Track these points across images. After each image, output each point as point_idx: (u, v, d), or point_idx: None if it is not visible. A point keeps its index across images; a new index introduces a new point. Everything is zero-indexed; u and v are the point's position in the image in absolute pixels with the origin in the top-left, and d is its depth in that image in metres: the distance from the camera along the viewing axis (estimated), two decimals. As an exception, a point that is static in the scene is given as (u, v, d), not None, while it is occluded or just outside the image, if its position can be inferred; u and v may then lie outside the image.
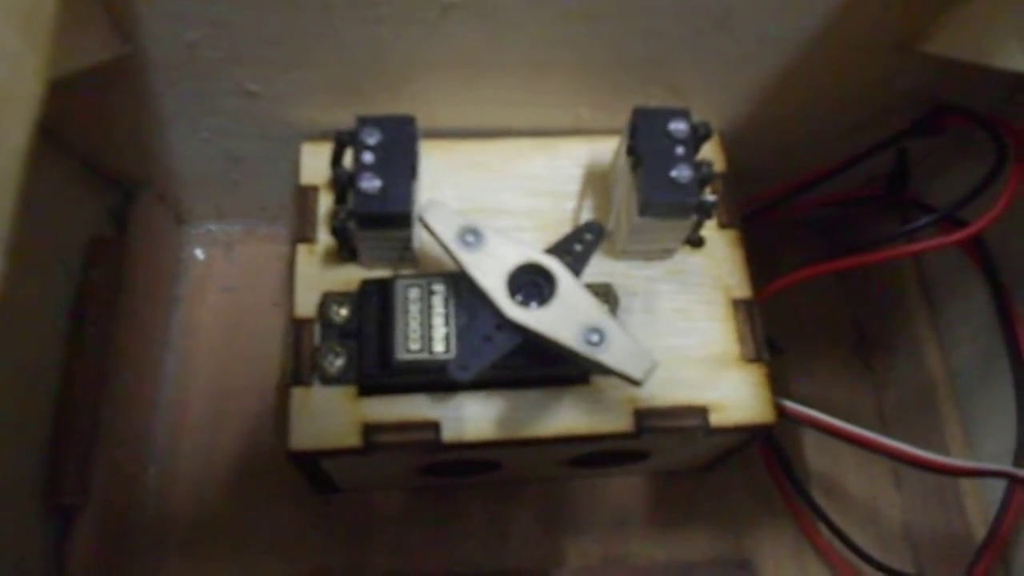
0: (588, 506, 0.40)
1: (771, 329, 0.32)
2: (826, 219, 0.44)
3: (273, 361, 0.41)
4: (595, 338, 0.26)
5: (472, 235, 0.27)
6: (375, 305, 0.30)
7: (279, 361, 0.41)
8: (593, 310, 0.27)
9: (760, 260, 0.34)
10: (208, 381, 0.41)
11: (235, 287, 0.43)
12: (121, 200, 0.39)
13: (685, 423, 0.30)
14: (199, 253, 0.44)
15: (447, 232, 0.27)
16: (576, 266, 0.28)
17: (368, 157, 0.28)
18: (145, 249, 0.39)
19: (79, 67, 0.26)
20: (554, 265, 0.27)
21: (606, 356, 0.26)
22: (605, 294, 0.31)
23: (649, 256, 0.32)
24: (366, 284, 0.30)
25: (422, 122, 0.29)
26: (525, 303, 0.27)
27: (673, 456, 0.37)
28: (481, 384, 0.29)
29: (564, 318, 0.26)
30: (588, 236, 0.29)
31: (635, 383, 0.26)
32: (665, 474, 0.40)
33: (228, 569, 0.37)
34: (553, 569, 0.38)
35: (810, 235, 0.44)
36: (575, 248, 0.29)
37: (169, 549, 0.38)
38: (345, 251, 0.31)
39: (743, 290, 0.32)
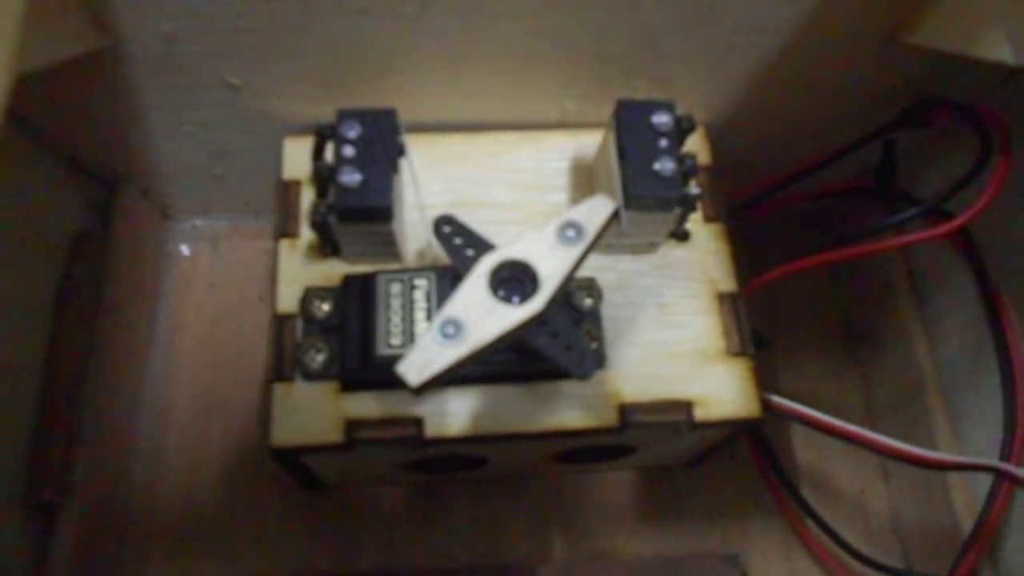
0: (575, 501, 0.40)
1: (758, 323, 0.32)
2: (813, 212, 0.44)
3: (259, 357, 0.41)
4: (451, 331, 0.24)
5: (573, 231, 0.26)
6: (357, 300, 0.29)
7: (265, 356, 0.41)
8: (488, 330, 0.24)
9: (747, 254, 0.33)
10: (194, 377, 0.41)
11: (221, 283, 0.43)
12: (104, 195, 0.39)
13: (670, 418, 0.30)
14: (184, 249, 0.43)
15: (576, 213, 0.26)
16: (542, 337, 0.26)
17: (348, 151, 0.28)
18: (129, 244, 0.38)
19: (55, 59, 0.26)
20: (539, 302, 0.25)
21: (425, 339, 0.24)
22: (589, 288, 0.31)
23: (634, 250, 0.32)
24: (348, 279, 0.30)
25: (406, 115, 0.29)
26: (507, 295, 0.27)
27: (659, 451, 0.36)
28: (465, 379, 0.29)
29: (479, 308, 0.25)
30: (578, 360, 0.26)
31: (404, 377, 0.24)
32: (652, 469, 0.40)
33: (214, 566, 0.37)
34: (540, 564, 0.38)
35: (797, 229, 0.44)
36: (561, 343, 0.26)
37: (155, 546, 0.37)
38: (327, 246, 0.31)
39: (728, 284, 0.32)
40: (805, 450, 0.41)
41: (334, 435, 0.29)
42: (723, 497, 0.40)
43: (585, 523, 0.39)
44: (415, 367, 0.24)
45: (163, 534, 0.38)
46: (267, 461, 0.31)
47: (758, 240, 0.37)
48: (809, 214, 0.44)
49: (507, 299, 0.25)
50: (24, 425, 0.32)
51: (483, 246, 0.27)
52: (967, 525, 0.34)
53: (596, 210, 0.27)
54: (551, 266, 0.26)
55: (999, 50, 0.26)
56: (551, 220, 0.26)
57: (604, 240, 0.31)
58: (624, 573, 0.38)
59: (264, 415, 0.29)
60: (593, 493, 0.40)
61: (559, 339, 0.26)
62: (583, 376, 0.26)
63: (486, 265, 0.26)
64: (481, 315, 0.25)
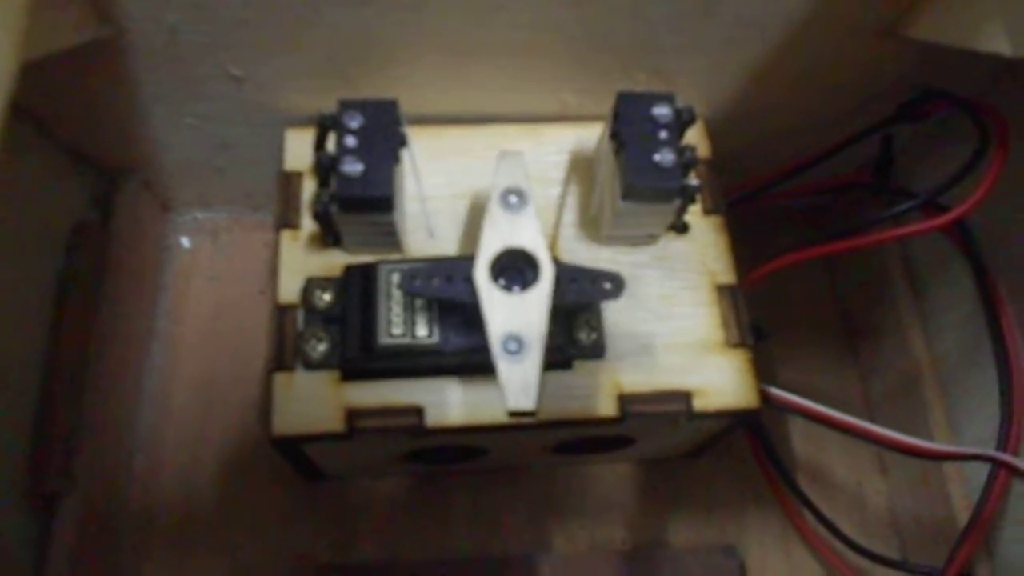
0: (575, 493, 0.40)
1: (757, 316, 0.32)
2: (812, 207, 0.44)
3: (259, 350, 0.41)
4: (513, 347, 0.25)
5: (516, 196, 0.27)
6: (358, 290, 0.29)
7: (265, 349, 0.41)
8: (539, 326, 0.25)
9: (747, 248, 0.34)
10: (194, 369, 0.41)
11: (221, 275, 0.43)
12: (106, 187, 0.39)
13: (669, 408, 0.30)
14: (185, 241, 0.43)
15: (500, 183, 0.27)
16: (573, 289, 0.27)
17: (350, 141, 0.28)
18: (130, 236, 0.38)
19: (57, 48, 0.26)
20: (548, 270, 0.26)
21: (503, 367, 0.25)
22: (591, 279, 0.31)
23: (634, 242, 0.32)
24: (350, 269, 0.30)
25: (408, 108, 0.29)
26: (507, 284, 0.27)
27: (658, 442, 0.37)
28: (465, 368, 0.29)
29: (510, 313, 0.26)
30: (607, 284, 0.28)
31: (519, 410, 0.25)
32: (652, 461, 0.40)
33: (213, 557, 0.37)
34: (540, 555, 0.38)
35: (796, 223, 0.44)
36: (585, 283, 0.28)
37: (154, 537, 0.38)
38: (329, 236, 0.31)
39: (728, 276, 0.32)
40: (803, 443, 0.41)
41: (335, 424, 0.29)
42: (721, 489, 0.40)
43: (584, 515, 0.39)
44: (519, 395, 0.24)
45: (162, 525, 0.38)
46: (267, 452, 0.31)
47: (757, 234, 0.37)
48: (807, 209, 0.45)
49: (515, 286, 0.26)
50: (25, 415, 0.32)
51: (458, 267, 0.27)
52: (964, 517, 0.35)
53: (513, 164, 0.28)
54: (526, 234, 0.27)
55: (997, 42, 0.26)
56: (489, 202, 0.27)
57: (604, 232, 0.32)
58: (623, 564, 0.38)
59: (265, 405, 0.29)
60: (592, 485, 0.40)
61: (581, 282, 0.27)
62: (618, 293, 0.27)
63: (483, 277, 0.26)
64: (521, 315, 0.25)
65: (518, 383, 0.25)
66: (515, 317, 0.25)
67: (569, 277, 0.27)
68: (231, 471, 0.39)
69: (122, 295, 0.37)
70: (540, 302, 0.26)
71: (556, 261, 0.27)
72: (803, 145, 0.37)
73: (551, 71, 0.33)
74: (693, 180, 0.29)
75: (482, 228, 0.27)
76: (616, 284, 0.28)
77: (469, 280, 0.26)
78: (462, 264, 0.27)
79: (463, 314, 0.28)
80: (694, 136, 0.34)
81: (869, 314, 0.43)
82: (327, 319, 0.30)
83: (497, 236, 0.27)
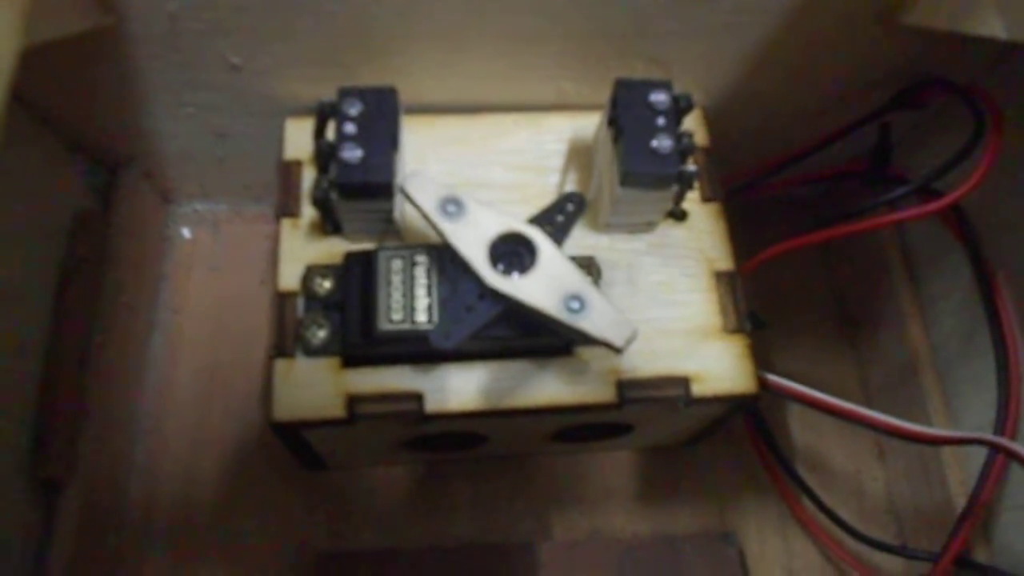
0: (574, 481, 0.40)
1: (756, 305, 0.32)
2: (810, 195, 0.45)
3: (260, 339, 0.41)
4: (576, 306, 0.26)
5: (453, 205, 0.27)
6: (358, 277, 0.30)
7: (266, 338, 0.41)
8: (574, 278, 0.27)
9: (745, 237, 0.34)
10: (195, 359, 0.41)
11: (222, 266, 0.43)
12: (106, 177, 0.39)
13: (667, 393, 0.30)
14: (185, 232, 0.44)
15: (428, 202, 0.27)
16: (558, 235, 0.28)
17: (350, 128, 0.28)
18: (130, 226, 0.39)
19: (58, 35, 0.26)
20: (535, 234, 0.27)
21: (587, 324, 0.26)
22: (588, 267, 0.31)
23: (632, 229, 0.33)
24: (350, 256, 0.30)
25: (407, 97, 0.29)
26: (507, 272, 0.27)
27: (657, 429, 0.37)
28: (464, 355, 0.30)
29: (545, 286, 0.27)
30: (569, 206, 0.29)
31: (616, 350, 0.26)
32: (650, 449, 0.41)
33: (214, 546, 0.38)
34: (539, 543, 0.38)
35: (795, 211, 0.44)
36: (557, 218, 0.29)
37: (156, 525, 0.38)
38: (328, 223, 0.31)
39: (725, 263, 0.33)
40: (801, 431, 0.42)
41: (335, 410, 0.29)
42: (720, 476, 0.40)
43: (584, 503, 0.40)
44: (616, 332, 0.26)
45: (164, 514, 0.38)
46: (268, 441, 0.31)
47: (756, 224, 0.38)
48: (806, 198, 0.45)
49: (514, 270, 0.27)
50: (28, 402, 0.33)
51: (466, 292, 0.27)
52: (961, 502, 0.35)
53: (423, 182, 0.28)
54: (490, 226, 0.27)
55: (991, 25, 0.26)
56: (436, 227, 0.27)
57: (603, 219, 0.32)
58: (622, 552, 0.38)
59: (266, 392, 0.29)
60: (591, 473, 0.40)
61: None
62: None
63: (499, 281, 0.27)
64: (555, 282, 0.27)
65: (608, 326, 0.26)
66: (552, 287, 0.26)
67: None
68: (232, 460, 0.39)
69: (123, 285, 0.38)
70: (557, 261, 0.27)
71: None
72: (801, 133, 0.37)
73: (548, 59, 0.34)
74: (690, 166, 0.29)
75: (455, 248, 0.27)
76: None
77: (485, 297, 0.27)
78: (467, 292, 0.27)
79: (464, 300, 0.28)
80: (692, 124, 0.34)
81: (866, 302, 0.43)
82: (327, 306, 0.30)
83: (473, 241, 0.27)
